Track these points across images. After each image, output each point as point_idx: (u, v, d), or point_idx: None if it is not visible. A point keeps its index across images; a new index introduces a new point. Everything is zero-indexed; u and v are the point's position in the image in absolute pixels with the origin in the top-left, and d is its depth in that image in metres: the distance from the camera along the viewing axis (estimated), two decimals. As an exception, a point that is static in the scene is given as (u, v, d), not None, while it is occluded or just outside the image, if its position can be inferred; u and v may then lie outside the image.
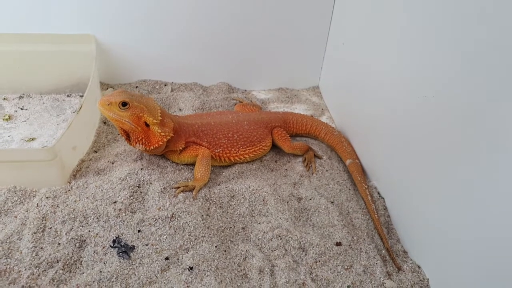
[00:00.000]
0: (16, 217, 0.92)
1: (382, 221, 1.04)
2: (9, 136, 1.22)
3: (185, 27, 1.38)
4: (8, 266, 0.83)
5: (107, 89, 1.41)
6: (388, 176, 1.08)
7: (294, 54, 1.49)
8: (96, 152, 1.13)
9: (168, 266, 0.85)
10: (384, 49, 1.05)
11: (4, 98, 1.36)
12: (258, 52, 1.47)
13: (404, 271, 0.92)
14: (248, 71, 1.51)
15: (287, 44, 1.47)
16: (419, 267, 0.93)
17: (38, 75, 1.36)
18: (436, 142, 0.84)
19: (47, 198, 0.95)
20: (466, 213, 0.76)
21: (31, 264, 0.83)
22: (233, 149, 1.12)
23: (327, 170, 1.20)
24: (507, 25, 0.63)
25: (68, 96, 1.40)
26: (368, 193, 1.09)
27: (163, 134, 1.01)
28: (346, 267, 0.92)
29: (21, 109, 1.33)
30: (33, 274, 0.82)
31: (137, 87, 1.44)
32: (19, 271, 0.82)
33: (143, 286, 0.81)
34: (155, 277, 0.83)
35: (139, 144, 1.01)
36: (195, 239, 0.91)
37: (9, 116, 1.29)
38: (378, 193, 1.12)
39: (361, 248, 0.96)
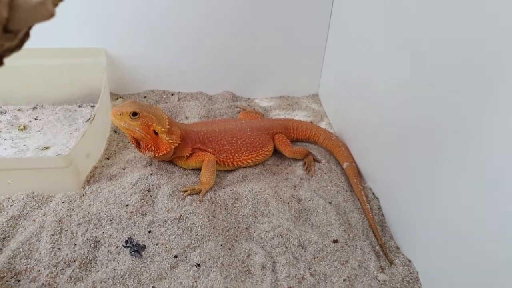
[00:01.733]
0: (34, 220, 0.98)
1: (377, 220, 1.09)
2: (24, 145, 1.28)
3: (190, 39, 1.44)
4: (28, 265, 0.89)
5: (117, 99, 1.47)
6: (382, 178, 1.13)
7: (294, 63, 1.55)
8: (108, 159, 1.19)
9: (177, 263, 0.91)
10: (377, 59, 1.11)
11: (19, 109, 1.42)
12: (260, 62, 1.52)
13: (395, 265, 0.97)
14: (251, 80, 1.56)
15: (288, 54, 1.52)
16: (409, 261, 0.98)
17: (51, 87, 1.42)
18: (425, 147, 0.89)
19: (63, 202, 1.01)
20: (452, 212, 0.81)
21: (49, 263, 0.89)
22: (236, 155, 1.18)
23: (325, 173, 1.25)
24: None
25: (79, 106, 1.47)
26: (363, 193, 1.14)
27: (171, 141, 1.07)
28: (342, 262, 0.97)
29: (35, 119, 1.40)
30: (52, 273, 0.87)
31: (145, 97, 1.50)
32: (39, 270, 0.88)
33: (154, 282, 0.87)
34: (165, 273, 0.89)
35: (149, 151, 1.07)
36: (202, 238, 0.97)
37: (24, 126, 1.36)
38: (373, 193, 1.17)
39: (356, 245, 1.01)
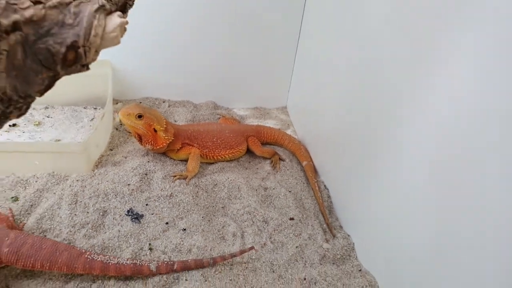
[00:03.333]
0: (55, 193, 1.21)
1: (326, 205, 1.35)
2: (39, 137, 1.50)
3: (180, 56, 1.68)
4: (52, 226, 1.12)
5: (117, 103, 1.71)
6: (332, 173, 1.40)
7: (267, 80, 1.81)
8: (112, 150, 1.43)
9: (168, 228, 1.15)
10: (332, 80, 1.39)
11: (33, 108, 1.64)
12: (238, 77, 1.78)
13: (337, 238, 1.23)
14: (230, 92, 1.81)
15: (262, 72, 1.78)
16: (348, 235, 1.25)
17: (61, 91, 1.64)
18: (361, 151, 1.15)
19: (77, 181, 1.25)
20: (379, 201, 1.07)
21: (68, 224, 1.12)
22: (216, 150, 1.44)
23: (288, 169, 1.51)
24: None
25: (84, 108, 1.70)
26: (317, 185, 1.40)
27: (167, 137, 1.33)
28: (296, 234, 1.22)
29: (48, 117, 1.63)
30: (70, 231, 1.10)
31: (140, 102, 1.74)
32: (60, 229, 1.11)
33: (150, 241, 1.11)
34: (158, 235, 1.13)
35: (149, 144, 1.33)
36: (187, 211, 1.22)
37: (39, 122, 1.58)
38: (324, 185, 1.44)
39: (308, 223, 1.27)
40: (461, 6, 0.75)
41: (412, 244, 0.92)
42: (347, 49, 1.23)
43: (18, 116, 0.57)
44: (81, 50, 0.53)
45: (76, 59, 0.54)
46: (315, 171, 1.49)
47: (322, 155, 1.48)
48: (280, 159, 1.55)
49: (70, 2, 0.53)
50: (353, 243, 1.22)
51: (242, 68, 1.75)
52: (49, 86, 0.56)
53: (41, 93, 0.57)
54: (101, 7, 0.55)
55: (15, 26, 0.48)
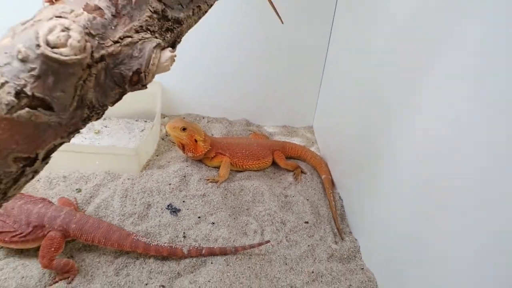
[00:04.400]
0: (109, 188, 1.45)
1: (338, 213, 1.52)
2: (98, 143, 1.77)
3: (219, 79, 1.90)
4: (106, 213, 1.36)
5: (164, 118, 1.97)
6: (347, 186, 1.57)
7: (295, 101, 1.99)
8: (158, 155, 1.67)
9: (199, 221, 1.37)
10: (353, 103, 1.58)
11: (94, 119, 1.93)
12: (269, 98, 1.96)
13: (345, 241, 1.39)
14: (262, 112, 1.99)
15: (291, 93, 1.96)
16: (356, 239, 1.40)
17: (118, 105, 1.92)
18: (372, 172, 1.31)
19: (128, 179, 1.49)
20: (383, 213, 1.23)
21: (119, 213, 1.36)
22: (245, 160, 1.65)
23: (308, 181, 1.69)
24: None
25: (136, 120, 1.97)
26: (332, 196, 1.57)
27: (205, 147, 1.56)
28: (309, 235, 1.40)
29: (105, 127, 1.90)
30: (121, 219, 1.34)
31: (184, 117, 1.99)
32: (113, 217, 1.35)
33: (184, 230, 1.33)
34: (191, 226, 1.34)
35: (190, 152, 1.56)
36: (217, 209, 1.42)
37: (98, 131, 1.86)
38: (339, 196, 1.60)
39: (321, 227, 1.44)
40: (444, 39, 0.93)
41: (409, 249, 1.07)
42: (366, 75, 1.39)
43: (96, 119, 0.80)
44: (142, 74, 0.76)
45: (138, 80, 0.77)
46: (332, 184, 1.66)
47: (340, 170, 1.65)
48: (302, 172, 1.73)
49: (137, 41, 0.76)
50: (359, 246, 1.38)
51: (273, 90, 1.96)
52: (119, 99, 0.80)
53: (113, 104, 0.80)
54: (158, 45, 0.78)
55: (102, 58, 0.72)
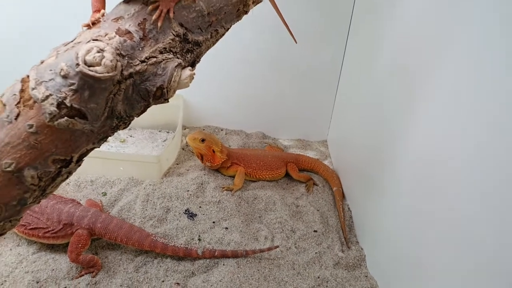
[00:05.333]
0: (132, 193, 1.56)
1: (347, 224, 1.58)
2: (123, 151, 1.90)
3: (237, 93, 1.99)
4: (129, 216, 1.46)
5: (185, 129, 2.08)
6: (356, 198, 1.63)
7: (310, 116, 2.06)
8: (178, 164, 1.78)
9: (214, 226, 1.46)
10: (363, 121, 1.65)
11: (121, 129, 2.06)
12: (285, 112, 2.04)
13: (352, 250, 1.46)
14: (277, 125, 2.07)
15: (306, 109, 2.03)
16: (362, 249, 1.46)
17: (142, 116, 2.05)
18: (376, 187, 1.39)
19: (150, 185, 1.60)
20: (387, 226, 1.31)
21: (140, 216, 1.46)
22: (259, 171, 1.73)
23: (320, 193, 1.76)
24: None
25: (159, 131, 2.09)
26: (342, 207, 1.64)
27: (222, 157, 1.66)
28: (317, 243, 1.47)
29: (130, 136, 2.03)
30: (142, 221, 1.44)
31: (203, 129, 2.10)
32: (134, 219, 1.45)
33: (199, 233, 1.42)
34: (206, 230, 1.43)
35: (208, 162, 1.66)
36: (230, 215, 1.51)
37: (123, 140, 1.98)
38: (348, 208, 1.67)
39: (329, 236, 1.51)
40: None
41: (411, 258, 1.13)
42: (377, 92, 1.46)
43: (123, 128, 0.91)
44: (165, 90, 0.86)
45: (161, 95, 0.87)
46: (343, 195, 1.73)
47: (350, 182, 1.72)
48: (314, 184, 1.81)
49: (161, 61, 0.87)
50: (365, 254, 1.44)
51: (288, 105, 2.04)
52: (144, 111, 0.90)
53: (138, 115, 0.91)
54: (179, 64, 0.88)
55: (130, 75, 0.83)
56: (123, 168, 1.60)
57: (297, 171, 1.82)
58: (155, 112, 1.95)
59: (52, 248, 1.32)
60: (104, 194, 1.54)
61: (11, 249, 1.32)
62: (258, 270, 1.31)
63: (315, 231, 1.51)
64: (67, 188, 1.56)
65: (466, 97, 0.89)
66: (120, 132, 2.03)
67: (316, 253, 1.42)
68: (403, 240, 1.18)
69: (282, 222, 1.52)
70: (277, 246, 1.37)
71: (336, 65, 1.92)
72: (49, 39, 1.07)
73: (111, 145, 1.91)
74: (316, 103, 2.04)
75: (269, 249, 1.35)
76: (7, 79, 0.86)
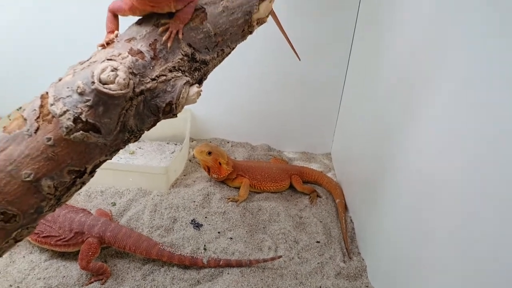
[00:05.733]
0: (141, 203, 1.61)
1: (349, 235, 1.61)
2: (132, 163, 1.95)
3: (242, 106, 2.04)
4: (137, 225, 1.51)
5: (192, 141, 2.13)
6: (358, 210, 1.67)
7: (314, 129, 2.10)
8: (185, 175, 1.83)
9: (219, 236, 1.50)
10: (365, 135, 1.70)
11: (130, 141, 2.12)
12: (290, 125, 2.08)
13: (353, 260, 1.48)
14: (282, 138, 2.11)
15: (310, 122, 2.08)
16: (363, 259, 1.49)
17: (151, 129, 2.12)
18: (378, 201, 1.44)
19: (157, 195, 1.65)
20: (387, 238, 1.34)
21: (148, 225, 1.51)
22: (263, 182, 1.78)
23: (323, 205, 1.80)
24: None
25: (167, 143, 2.14)
26: (344, 219, 1.67)
27: (228, 169, 1.70)
28: (319, 254, 1.50)
29: (140, 148, 2.08)
30: (149, 231, 1.49)
31: (210, 142, 2.15)
32: (142, 228, 1.50)
33: (205, 243, 1.46)
34: (212, 240, 1.48)
35: (214, 174, 1.71)
36: (235, 226, 1.55)
37: (133, 152, 2.04)
38: (351, 219, 1.70)
39: (331, 247, 1.54)
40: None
41: (411, 269, 1.16)
42: (379, 106, 1.50)
43: (134, 141, 0.97)
44: (173, 106, 0.92)
45: (170, 110, 0.93)
46: (345, 207, 1.77)
47: (353, 195, 1.75)
48: (318, 196, 1.84)
49: (170, 79, 0.92)
50: (366, 265, 1.47)
51: (293, 119, 2.09)
52: (154, 125, 0.96)
53: (148, 129, 0.96)
54: (187, 82, 0.94)
55: (141, 92, 0.88)
56: (132, 179, 1.65)
57: (301, 183, 1.86)
58: (163, 125, 2.00)
59: (63, 256, 1.37)
60: (114, 204, 1.59)
61: (24, 257, 1.37)
62: (262, 279, 1.35)
63: (317, 242, 1.55)
64: (78, 198, 1.62)
65: (466, 112, 0.92)
66: (129, 144, 2.09)
67: (318, 263, 1.45)
68: (403, 251, 1.21)
69: (285, 233, 1.56)
70: (280, 256, 1.41)
71: (339, 80, 1.97)
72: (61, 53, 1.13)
73: (121, 157, 1.97)
74: (320, 116, 2.09)
75: (273, 259, 1.39)
76: (24, 92, 0.92)
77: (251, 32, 1.11)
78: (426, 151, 1.11)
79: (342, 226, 1.64)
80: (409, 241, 1.18)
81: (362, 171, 1.65)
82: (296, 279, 1.38)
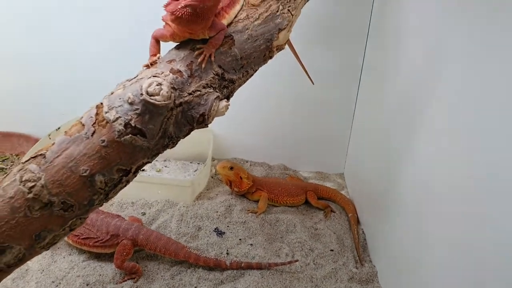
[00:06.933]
0: (168, 213, 1.75)
1: (361, 244, 1.71)
2: (159, 179, 2.10)
3: (261, 128, 2.19)
4: (165, 233, 1.64)
5: (214, 160, 2.28)
6: (369, 224, 1.77)
7: (328, 150, 2.22)
8: (208, 189, 1.96)
9: (240, 243, 1.61)
10: (375, 152, 1.82)
11: (157, 160, 2.27)
12: (305, 146, 2.19)
13: (365, 267, 1.57)
14: (298, 159, 2.22)
15: (324, 143, 2.19)
16: (374, 266, 1.58)
17: (176, 149, 2.26)
18: (388, 216, 1.55)
19: (183, 206, 1.79)
20: (396, 248, 1.45)
21: (175, 233, 1.64)
22: (280, 196, 1.90)
23: (336, 219, 1.89)
24: None
25: (190, 162, 2.29)
26: (356, 230, 1.78)
27: (248, 183, 1.84)
28: (333, 261, 1.60)
29: (165, 167, 2.23)
30: (176, 238, 1.61)
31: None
32: (170, 235, 1.62)
33: (228, 249, 1.58)
34: (233, 246, 1.59)
35: (236, 188, 1.84)
36: (255, 234, 1.67)
37: (159, 169, 2.19)
38: (363, 231, 1.80)
39: (344, 254, 1.64)
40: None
41: (419, 275, 1.25)
42: (386, 128, 1.64)
43: (171, 147, 1.12)
44: (206, 116, 1.07)
45: (203, 121, 1.08)
46: (357, 221, 1.87)
47: (364, 210, 1.85)
48: (332, 211, 1.95)
49: (204, 94, 1.08)
50: (377, 271, 1.56)
51: (308, 140, 2.21)
52: (188, 133, 1.11)
53: (184, 137, 1.11)
54: (217, 97, 1.09)
55: (180, 104, 1.04)
56: (160, 191, 1.79)
57: (316, 198, 1.97)
58: (187, 145, 2.17)
59: (99, 257, 1.50)
60: (143, 214, 1.73)
61: (64, 257, 1.51)
62: (280, 281, 1.46)
63: (331, 250, 1.65)
64: (111, 209, 1.76)
65: (468, 134, 1.00)
66: (156, 163, 2.25)
67: (332, 269, 1.55)
68: (410, 258, 1.30)
69: (301, 242, 1.67)
70: (297, 260, 1.52)
71: (350, 105, 2.11)
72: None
73: (148, 174, 2.13)
74: (333, 138, 2.22)
75: (290, 262, 1.50)
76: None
77: (271, 57, 1.27)
78: (429, 166, 1.20)
79: (354, 236, 1.74)
80: (416, 249, 1.27)
81: (372, 188, 1.76)
82: (312, 282, 1.49)
